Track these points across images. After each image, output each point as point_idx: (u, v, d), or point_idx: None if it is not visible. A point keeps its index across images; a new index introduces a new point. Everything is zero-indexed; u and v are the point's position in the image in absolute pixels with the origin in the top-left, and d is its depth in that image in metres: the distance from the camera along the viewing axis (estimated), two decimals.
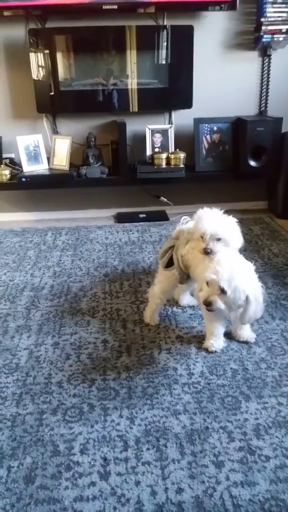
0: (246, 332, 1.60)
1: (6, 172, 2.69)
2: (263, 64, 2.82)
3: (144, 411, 1.29)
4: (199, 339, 1.61)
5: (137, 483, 1.07)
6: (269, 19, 2.60)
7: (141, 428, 1.23)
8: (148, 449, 1.16)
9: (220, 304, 1.33)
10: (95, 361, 1.52)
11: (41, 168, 2.78)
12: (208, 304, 1.33)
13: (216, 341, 1.55)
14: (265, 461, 1.11)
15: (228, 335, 1.62)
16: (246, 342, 1.59)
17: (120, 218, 2.95)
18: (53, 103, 2.72)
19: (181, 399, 1.33)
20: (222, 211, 1.56)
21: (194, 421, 1.24)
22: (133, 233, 2.70)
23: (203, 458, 1.13)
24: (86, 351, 1.57)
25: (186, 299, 1.84)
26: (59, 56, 2.64)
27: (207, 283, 1.35)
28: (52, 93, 2.69)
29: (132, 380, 1.42)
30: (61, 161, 2.76)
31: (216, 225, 1.47)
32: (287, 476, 1.07)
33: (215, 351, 1.54)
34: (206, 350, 1.55)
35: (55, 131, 2.85)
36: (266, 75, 2.83)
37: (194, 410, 1.28)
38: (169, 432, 1.21)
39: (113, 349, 1.58)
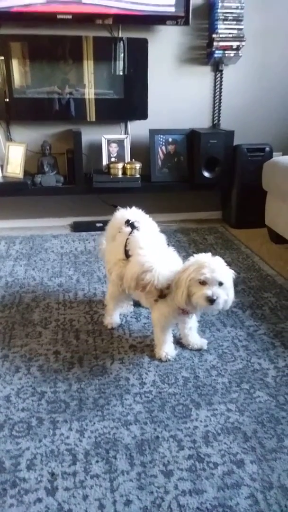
0: (198, 339, 1.62)
1: None
2: (215, 79, 2.91)
3: (94, 423, 1.27)
4: (152, 348, 1.61)
5: (85, 497, 1.05)
6: (221, 35, 2.69)
7: (91, 440, 1.21)
8: (97, 461, 1.14)
9: (223, 295, 1.35)
10: (45, 373, 1.48)
11: None
12: (212, 301, 1.34)
13: (170, 350, 1.56)
14: (213, 468, 1.12)
15: (180, 343, 1.63)
16: (199, 350, 1.61)
17: (77, 227, 2.93)
18: (8, 109, 2.67)
19: (132, 409, 1.32)
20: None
21: (145, 431, 1.24)
22: (89, 242, 2.69)
23: (153, 468, 1.12)
24: (37, 363, 1.53)
25: None
26: (14, 63, 2.61)
27: (202, 282, 1.34)
28: (7, 100, 2.64)
29: (83, 391, 1.40)
30: (15, 168, 2.71)
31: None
32: (234, 482, 1.09)
33: (170, 360, 1.54)
34: (160, 359, 1.55)
35: (9, 138, 2.79)
36: (218, 89, 2.92)
37: (145, 420, 1.28)
38: (119, 443, 1.20)
39: (65, 360, 1.55)
